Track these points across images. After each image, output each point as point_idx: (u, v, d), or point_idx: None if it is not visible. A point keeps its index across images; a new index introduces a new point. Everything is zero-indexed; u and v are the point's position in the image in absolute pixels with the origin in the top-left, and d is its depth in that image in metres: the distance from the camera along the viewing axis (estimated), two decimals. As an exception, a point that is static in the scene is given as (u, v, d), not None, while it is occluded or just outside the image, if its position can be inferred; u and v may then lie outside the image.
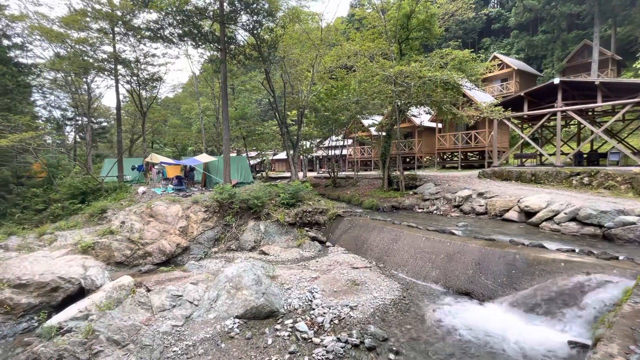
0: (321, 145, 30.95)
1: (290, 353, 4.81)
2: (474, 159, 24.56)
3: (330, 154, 28.64)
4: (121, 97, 25.23)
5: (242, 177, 19.51)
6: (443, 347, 4.89)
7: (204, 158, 18.25)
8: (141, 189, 14.86)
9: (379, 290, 6.83)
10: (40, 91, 25.95)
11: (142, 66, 20.37)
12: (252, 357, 4.80)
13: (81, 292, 7.51)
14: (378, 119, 22.23)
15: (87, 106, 24.74)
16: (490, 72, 32.91)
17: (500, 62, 33.73)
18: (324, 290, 6.92)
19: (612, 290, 4.89)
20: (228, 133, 15.13)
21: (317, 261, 9.25)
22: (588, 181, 11.94)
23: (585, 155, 16.04)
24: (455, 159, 23.95)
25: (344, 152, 30.05)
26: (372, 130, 25.37)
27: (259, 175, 34.92)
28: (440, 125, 23.52)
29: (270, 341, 5.16)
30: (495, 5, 48.18)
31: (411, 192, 14.84)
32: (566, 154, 15.26)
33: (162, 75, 22.31)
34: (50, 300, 7.16)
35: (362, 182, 19.71)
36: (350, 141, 29.68)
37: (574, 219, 8.75)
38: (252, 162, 34.77)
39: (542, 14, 36.64)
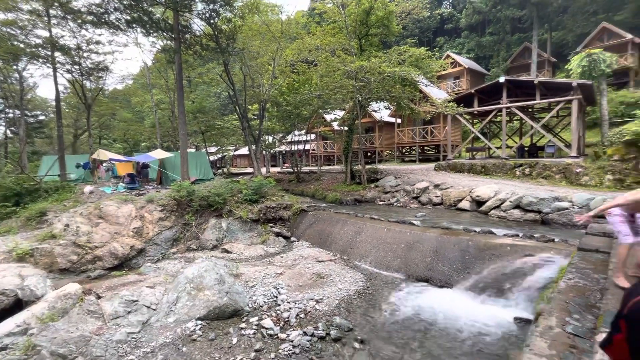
0: (284, 140, 30.66)
1: (256, 351, 4.74)
2: (430, 152, 25.85)
3: (293, 149, 28.48)
4: (61, 87, 22.98)
5: (202, 174, 18.73)
6: (405, 331, 5.11)
7: (159, 154, 17.21)
8: (88, 188, 13.66)
9: (343, 282, 6.95)
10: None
11: (85, 54, 18.59)
12: (216, 358, 4.65)
13: (18, 305, 6.75)
14: (340, 113, 22.49)
15: (19, 97, 22.11)
16: (444, 70, 34.71)
17: (453, 60, 35.68)
18: (289, 285, 6.90)
19: (550, 270, 5.43)
20: (185, 127, 14.38)
21: (282, 257, 9.19)
22: (529, 172, 13.11)
23: (526, 148, 17.58)
24: (414, 152, 25.04)
25: (307, 147, 30.03)
26: (335, 125, 25.64)
27: (219, 171, 33.76)
28: (399, 121, 24.40)
29: (235, 341, 5.03)
30: (448, 7, 50.71)
31: (373, 185, 15.26)
32: (511, 147, 16.63)
33: (108, 64, 20.55)
34: (-20, 316, 6.35)
35: (326, 177, 19.88)
36: (313, 136, 29.75)
37: (517, 206, 9.58)
38: (212, 158, 33.49)
39: (489, 17, 39.27)
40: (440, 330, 5.08)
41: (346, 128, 18.72)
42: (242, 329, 5.36)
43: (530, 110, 17.96)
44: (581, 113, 15.07)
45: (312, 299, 6.13)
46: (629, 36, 25.17)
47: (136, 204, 11.10)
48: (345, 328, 5.17)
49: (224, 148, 32.74)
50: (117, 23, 14.28)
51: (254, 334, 5.20)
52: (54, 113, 27.77)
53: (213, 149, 33.73)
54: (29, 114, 32.31)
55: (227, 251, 10.20)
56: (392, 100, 15.85)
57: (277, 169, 31.17)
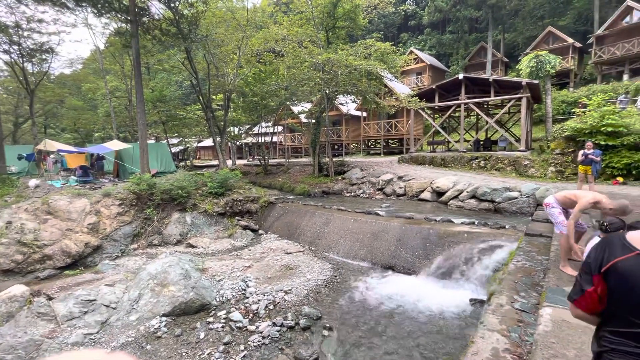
0: (250, 132, 30.00)
1: (225, 344, 4.71)
2: (394, 145, 26.70)
3: (260, 140, 28.01)
4: (-4, 70, 20.63)
5: (163, 166, 17.85)
6: (370, 317, 5.35)
7: (115, 145, 16.11)
8: (33, 181, 12.49)
9: (312, 272, 7.07)
10: None
11: (25, 33, 16.79)
12: (183, 354, 4.57)
13: (-47, 311, 6.09)
14: (308, 106, 22.43)
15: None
16: (407, 66, 35.73)
17: (416, 56, 36.84)
18: (257, 278, 6.88)
19: (502, 253, 5.93)
20: (144, 117, 13.56)
21: (249, 250, 9.11)
22: (484, 164, 14.05)
23: (481, 142, 18.78)
24: (379, 145, 25.72)
25: (275, 139, 29.66)
26: (302, 118, 25.55)
27: (182, 163, 32.35)
28: (365, 114, 24.88)
29: (202, 335, 4.96)
30: (412, 3, 52.03)
31: (340, 178, 15.51)
32: (468, 141, 17.67)
33: (53, 46, 18.76)
34: None
35: (294, 169, 19.83)
36: (280, 128, 29.42)
37: (473, 196, 10.26)
38: (174, 149, 31.95)
39: (449, 15, 40.91)
40: (403, 314, 5.37)
41: (314, 121, 18.75)
42: (209, 323, 5.29)
43: (485, 106, 19.15)
44: (529, 110, 16.36)
45: (281, 290, 6.18)
46: (570, 40, 27.58)
47: (91, 198, 10.36)
48: (313, 317, 5.29)
49: (186, 139, 31.33)
50: (63, 0, 13.03)
51: (222, 327, 5.16)
52: (-12, 98, 24.82)
53: (175, 140, 32.17)
54: (-44, 98, 28.61)
55: (192, 246, 9.90)
56: (358, 94, 16.09)
57: (244, 162, 30.53)
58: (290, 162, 23.69)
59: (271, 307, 5.68)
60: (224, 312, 5.56)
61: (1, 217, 9.19)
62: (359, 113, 25.57)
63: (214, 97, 20.57)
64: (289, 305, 5.70)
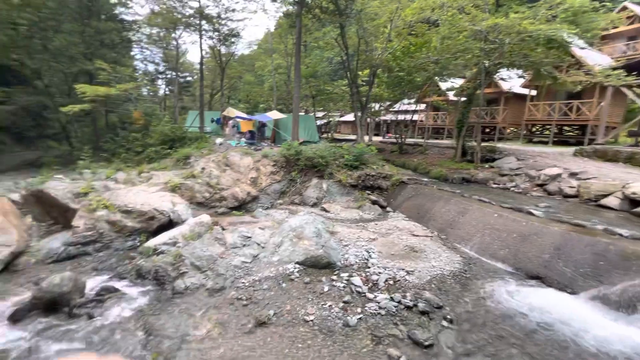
0: (390, 109, 29.56)
1: (345, 302, 5.10)
2: (571, 134, 21.09)
3: (399, 118, 27.29)
4: (203, 52, 26.95)
5: (309, 136, 19.90)
6: (504, 324, 4.67)
7: (274, 115, 18.94)
8: (218, 140, 16.23)
9: (438, 260, 6.66)
10: (138, 46, 28.99)
11: (223, 21, 21.18)
12: (309, 299, 5.21)
13: (170, 224, 8.77)
14: (459, 82, 20.12)
15: (175, 61, 27.07)
16: (614, 28, 26.65)
17: (631, 14, 26.95)
18: (380, 252, 7.00)
19: None
20: (299, 91, 15.29)
21: (376, 224, 9.30)
22: None
23: None
24: (547, 132, 20.85)
25: (415, 117, 28.28)
26: (450, 95, 23.21)
27: (324, 135, 35.22)
28: (533, 92, 20.37)
29: (326, 289, 5.51)
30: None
31: (487, 166, 13.58)
32: None
33: (240, 31, 23.03)
34: (148, 227, 8.52)
35: (432, 151, 18.60)
36: (423, 106, 27.72)
37: (699, 214, 7.15)
38: (318, 122, 35.02)
39: None
40: (553, 336, 4.43)
41: (464, 98, 16.74)
42: (333, 280, 5.80)
43: None
44: None
45: (402, 269, 6.11)
46: None
47: (254, 157, 12.71)
48: (434, 304, 5.04)
49: (330, 113, 33.73)
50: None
51: (344, 287, 5.57)
52: (197, 75, 33.14)
53: (320, 114, 35.14)
54: (180, 75, 39.44)
55: (325, 210, 10.88)
56: (529, 67, 13.21)
57: (380, 139, 30.62)
58: (429, 142, 22.24)
59: (391, 282, 5.72)
60: (347, 274, 5.97)
61: (199, 164, 12.41)
62: (525, 91, 21.15)
63: (359, 72, 21.04)
64: (409, 286, 5.60)
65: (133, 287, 5.88)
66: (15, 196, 8.49)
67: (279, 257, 6.50)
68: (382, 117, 32.63)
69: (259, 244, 7.05)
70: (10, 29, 18.99)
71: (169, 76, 35.68)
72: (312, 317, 4.75)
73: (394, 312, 4.83)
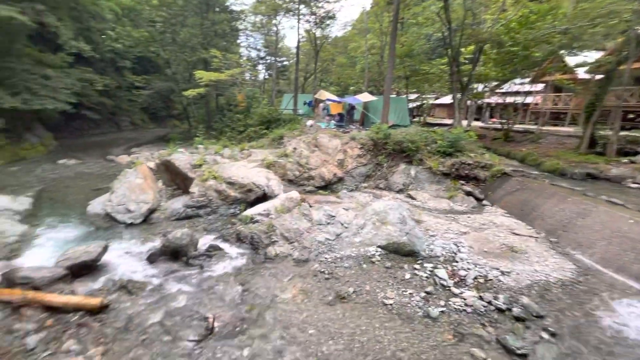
0: (497, 90, 25.95)
1: (427, 293, 4.92)
2: None
3: (506, 101, 23.82)
4: (299, 37, 28.02)
5: (399, 120, 19.11)
6: (620, 352, 3.86)
7: (364, 97, 18.70)
8: (309, 122, 16.94)
9: (542, 265, 5.80)
10: (244, 34, 31.80)
11: (319, 4, 21.50)
12: (389, 283, 5.20)
13: (264, 197, 9.70)
14: (595, 56, 16.33)
15: (274, 46, 28.87)
16: None
17: None
18: (471, 247, 6.45)
19: None
20: (392, 72, 14.68)
21: (468, 217, 8.54)
22: None
23: None
24: None
25: (528, 99, 24.25)
26: (580, 72, 19.08)
27: (416, 119, 33.32)
28: None
29: (407, 276, 5.39)
30: None
31: (625, 160, 10.93)
32: None
33: (335, 12, 23.06)
34: (247, 198, 9.60)
35: (547, 139, 15.87)
36: (539, 86, 23.55)
37: None
38: (410, 105, 33.20)
39: None
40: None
41: (601, 76, 13.57)
42: (415, 269, 5.63)
43: None
44: None
45: (496, 269, 5.54)
46: None
47: (342, 139, 12.89)
48: (533, 312, 4.46)
49: (424, 96, 31.55)
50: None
51: (427, 277, 5.36)
52: (293, 59, 34.77)
53: (413, 96, 33.20)
54: (278, 60, 42.02)
55: (411, 197, 10.46)
56: None
57: (480, 124, 27.43)
58: (544, 130, 18.95)
59: (481, 280, 5.25)
60: (431, 265, 5.71)
61: (291, 144, 13.23)
62: (697, 64, 15.93)
63: (462, 49, 18.95)
64: (503, 287, 5.06)
65: (233, 247, 6.80)
66: (152, 164, 10.58)
67: (361, 239, 6.59)
68: (485, 100, 28.97)
69: (342, 224, 7.27)
70: (150, 26, 23.08)
71: (268, 61, 38.42)
72: (391, 301, 4.75)
73: (482, 312, 4.46)
